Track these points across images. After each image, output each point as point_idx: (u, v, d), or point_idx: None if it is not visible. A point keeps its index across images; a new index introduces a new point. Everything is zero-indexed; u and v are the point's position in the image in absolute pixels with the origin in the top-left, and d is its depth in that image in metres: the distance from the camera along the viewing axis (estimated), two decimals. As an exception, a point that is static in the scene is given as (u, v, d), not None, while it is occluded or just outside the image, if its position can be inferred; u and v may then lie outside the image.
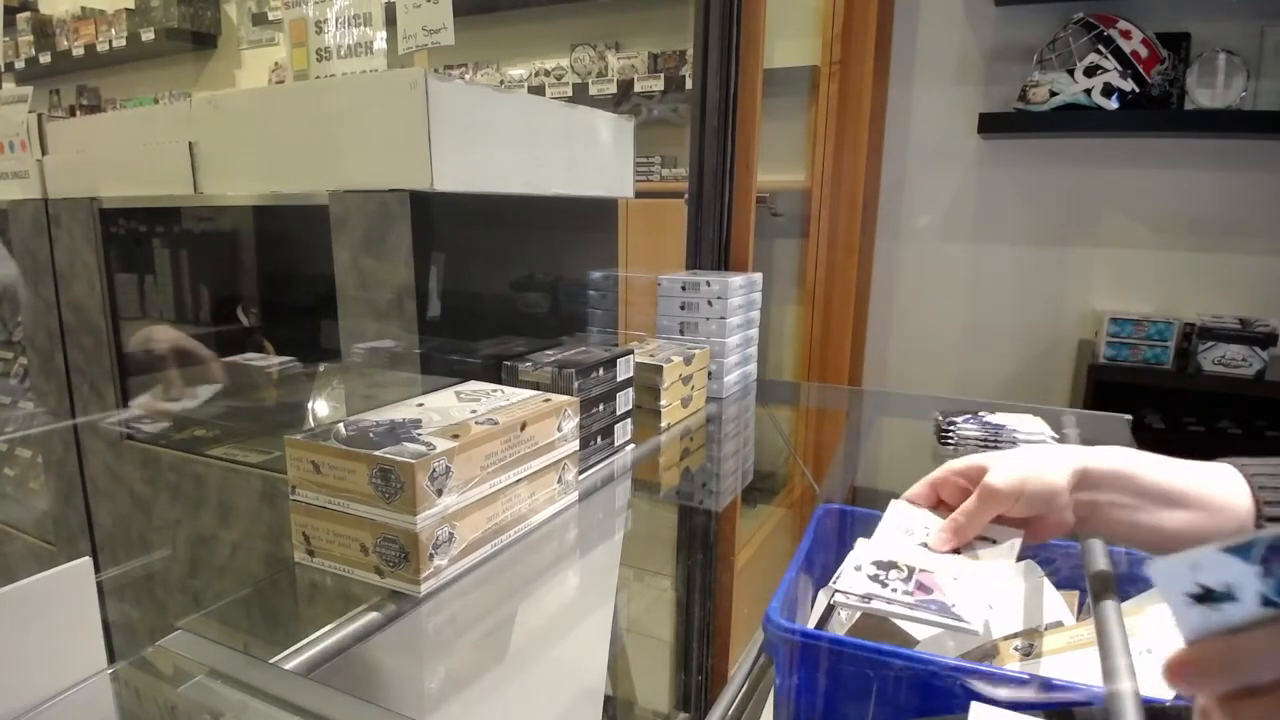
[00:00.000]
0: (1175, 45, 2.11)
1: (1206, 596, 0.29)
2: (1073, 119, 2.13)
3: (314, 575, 0.70)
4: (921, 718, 0.50)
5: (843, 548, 0.72)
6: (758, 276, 1.51)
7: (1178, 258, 2.26)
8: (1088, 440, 0.87)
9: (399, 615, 0.65)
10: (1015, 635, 0.58)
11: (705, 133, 1.70)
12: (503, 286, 1.26)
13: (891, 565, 0.56)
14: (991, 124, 2.29)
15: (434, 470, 0.65)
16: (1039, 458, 0.58)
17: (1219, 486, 0.55)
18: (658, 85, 2.85)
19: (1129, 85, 2.05)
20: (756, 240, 1.86)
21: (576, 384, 0.94)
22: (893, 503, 0.65)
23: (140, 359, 1.30)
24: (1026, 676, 0.48)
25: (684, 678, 1.03)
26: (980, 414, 1.20)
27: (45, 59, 4.13)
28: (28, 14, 4.12)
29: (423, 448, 0.66)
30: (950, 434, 1.17)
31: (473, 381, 0.90)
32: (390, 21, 0.99)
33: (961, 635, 0.54)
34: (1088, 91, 2.08)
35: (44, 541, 1.51)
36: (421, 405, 0.79)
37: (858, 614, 0.60)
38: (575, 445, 0.86)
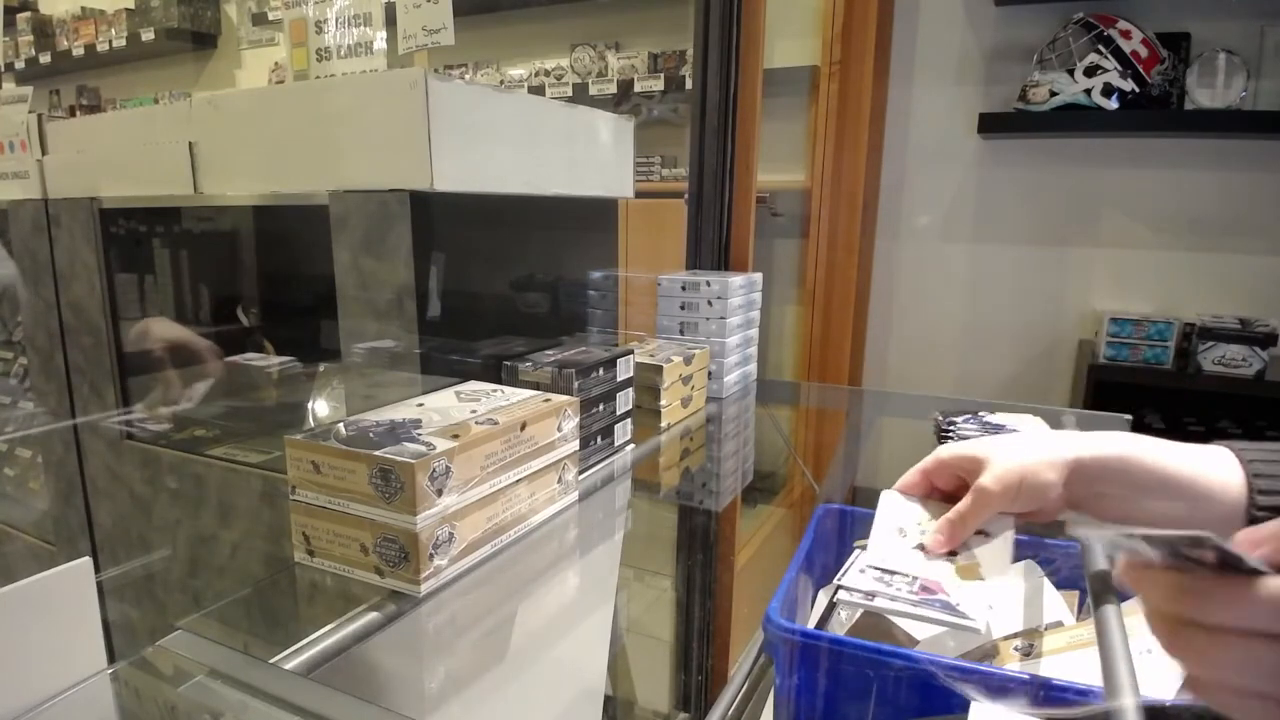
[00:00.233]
0: (1175, 45, 2.11)
1: None
2: (1073, 119, 2.13)
3: (314, 575, 0.70)
4: (921, 718, 0.50)
5: (843, 548, 0.72)
6: (758, 276, 1.51)
7: (1178, 258, 2.26)
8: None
9: (399, 615, 0.65)
10: (1015, 635, 0.58)
11: (705, 133, 1.70)
12: (503, 286, 1.26)
13: (894, 574, 0.56)
14: (991, 124, 2.29)
15: (434, 470, 0.65)
16: (1033, 451, 0.57)
17: (1215, 471, 0.54)
18: (658, 85, 2.85)
19: (1129, 85, 2.05)
20: (756, 240, 1.87)
21: (576, 384, 0.94)
22: (884, 494, 0.65)
23: (138, 352, 1.30)
24: (1026, 676, 0.48)
25: (684, 678, 1.03)
26: (980, 414, 1.20)
27: (45, 59, 4.13)
28: (28, 14, 4.12)
29: (423, 448, 0.66)
30: (950, 434, 1.16)
31: (473, 381, 0.90)
32: (390, 21, 0.99)
33: (962, 635, 0.54)
34: (1088, 91, 2.08)
35: (44, 541, 1.51)
36: (421, 405, 0.79)
37: (858, 614, 0.60)
38: (575, 445, 0.86)
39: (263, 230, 1.47)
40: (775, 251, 2.66)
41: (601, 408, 1.00)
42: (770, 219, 2.61)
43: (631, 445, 1.08)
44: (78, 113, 4.22)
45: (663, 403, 1.18)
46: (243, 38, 3.90)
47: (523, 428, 0.76)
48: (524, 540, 0.79)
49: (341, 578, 0.69)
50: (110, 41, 3.88)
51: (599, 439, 1.00)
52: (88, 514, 1.39)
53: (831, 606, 0.60)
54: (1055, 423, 1.14)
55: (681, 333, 1.40)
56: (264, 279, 1.51)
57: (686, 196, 1.75)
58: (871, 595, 0.54)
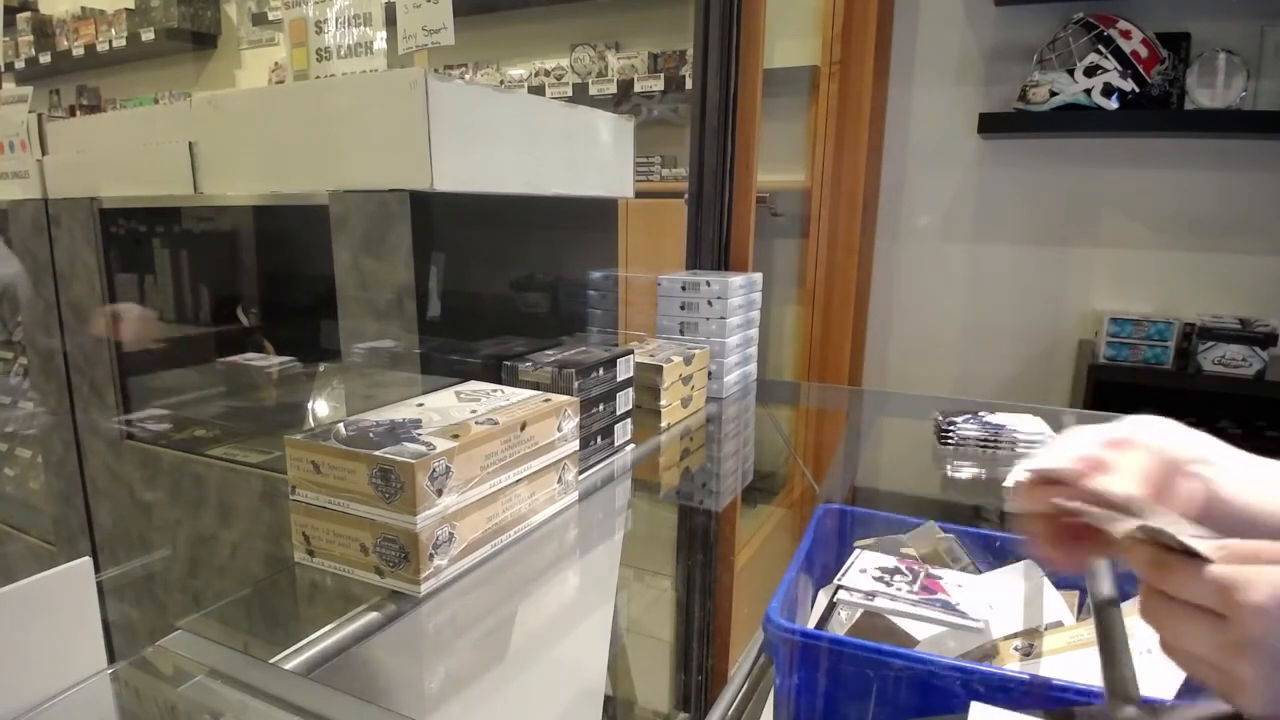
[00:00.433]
0: (1175, 45, 2.11)
1: None
2: (1073, 119, 2.13)
3: (314, 575, 0.70)
4: (921, 717, 0.50)
5: (843, 548, 0.72)
6: (758, 276, 1.51)
7: (1178, 258, 2.26)
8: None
9: (399, 615, 0.65)
10: (1015, 635, 0.58)
11: (705, 133, 1.70)
12: (503, 286, 1.26)
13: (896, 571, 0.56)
14: (991, 124, 2.29)
15: (434, 470, 0.65)
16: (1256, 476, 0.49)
17: None
18: (658, 85, 2.85)
19: (1129, 85, 2.05)
20: (756, 240, 1.86)
21: (576, 384, 0.94)
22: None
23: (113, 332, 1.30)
24: (1026, 676, 0.48)
25: (684, 678, 1.03)
26: (980, 414, 1.20)
27: (45, 59, 4.13)
28: (28, 14, 4.12)
29: (423, 448, 0.66)
30: (950, 434, 1.17)
31: (473, 381, 0.90)
32: (390, 21, 0.99)
33: (962, 635, 0.54)
34: (1088, 91, 2.08)
35: (44, 541, 1.51)
36: (421, 405, 0.79)
37: (858, 614, 0.60)
38: (575, 445, 0.86)
39: (263, 230, 1.47)
40: (775, 251, 2.66)
41: (601, 408, 1.00)
42: (770, 219, 2.61)
43: (631, 445, 1.08)
44: (78, 113, 4.22)
45: (663, 403, 1.18)
46: (243, 38, 3.89)
47: (523, 428, 0.76)
48: (524, 540, 0.79)
49: (341, 578, 0.69)
50: (110, 41, 3.88)
51: (599, 439, 1.00)
52: (88, 514, 1.39)
53: (831, 606, 0.60)
54: (1055, 423, 1.14)
55: (681, 333, 1.40)
56: (264, 279, 1.51)
57: (686, 196, 1.75)
58: (871, 595, 0.54)
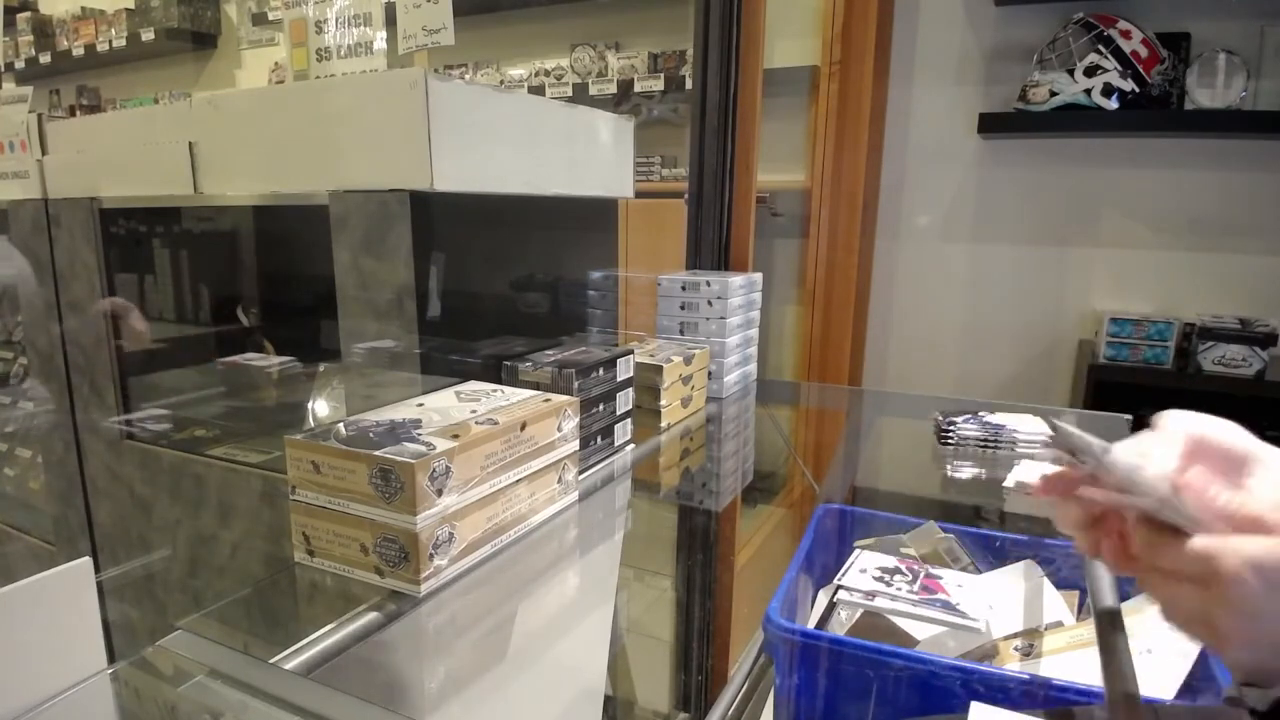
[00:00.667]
0: (1175, 45, 2.11)
1: None
2: (1073, 119, 2.13)
3: (314, 575, 0.70)
4: (921, 717, 0.50)
5: (843, 548, 0.72)
6: (758, 276, 1.51)
7: (1178, 258, 2.26)
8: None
9: (399, 615, 0.65)
10: (1015, 635, 0.58)
11: (705, 133, 1.70)
12: (503, 286, 1.26)
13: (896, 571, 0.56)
14: (991, 124, 2.29)
15: (434, 470, 0.65)
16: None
17: None
18: (658, 85, 2.85)
19: (1129, 85, 2.05)
20: (756, 240, 1.86)
21: (576, 384, 0.94)
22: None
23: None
24: (1026, 676, 0.48)
25: (684, 678, 1.03)
26: (980, 414, 1.20)
27: (45, 59, 4.13)
28: (28, 14, 4.12)
29: (423, 448, 0.66)
30: (950, 434, 1.17)
31: (473, 381, 0.90)
32: (390, 21, 0.99)
33: (962, 635, 0.54)
34: (1088, 91, 2.08)
35: (44, 541, 1.51)
36: (421, 405, 0.79)
37: (858, 614, 0.60)
38: (575, 445, 0.86)
39: (263, 230, 1.47)
40: (775, 251, 2.66)
41: (601, 408, 1.00)
42: (770, 219, 2.61)
43: (631, 445, 1.08)
44: (78, 113, 4.22)
45: (663, 403, 1.18)
46: (243, 38, 3.89)
47: (523, 428, 0.76)
48: (524, 540, 0.79)
49: (341, 578, 0.69)
50: (110, 41, 3.88)
51: (599, 439, 1.00)
52: (88, 514, 1.39)
53: (831, 606, 0.60)
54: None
55: (681, 333, 1.40)
56: (264, 279, 1.51)
57: (686, 196, 1.75)
58: (871, 595, 0.54)
